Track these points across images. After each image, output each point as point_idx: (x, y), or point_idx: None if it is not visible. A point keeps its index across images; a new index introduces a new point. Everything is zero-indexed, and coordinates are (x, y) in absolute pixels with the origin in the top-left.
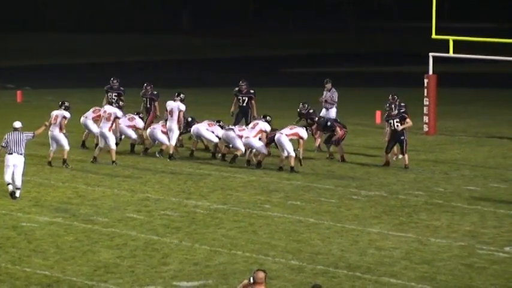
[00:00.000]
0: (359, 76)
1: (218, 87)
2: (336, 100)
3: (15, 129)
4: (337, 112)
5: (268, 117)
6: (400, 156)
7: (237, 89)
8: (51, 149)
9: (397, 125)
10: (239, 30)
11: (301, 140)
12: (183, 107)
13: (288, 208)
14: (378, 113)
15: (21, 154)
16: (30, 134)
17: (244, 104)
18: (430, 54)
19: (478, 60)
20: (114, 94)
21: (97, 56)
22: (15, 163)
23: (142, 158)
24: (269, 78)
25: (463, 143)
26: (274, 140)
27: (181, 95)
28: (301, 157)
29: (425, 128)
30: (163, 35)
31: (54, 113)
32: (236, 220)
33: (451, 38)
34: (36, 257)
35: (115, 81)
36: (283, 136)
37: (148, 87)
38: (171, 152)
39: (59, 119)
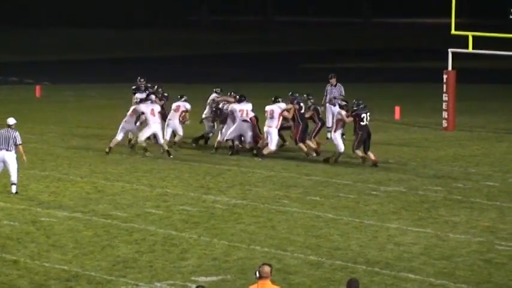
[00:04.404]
0: (378, 72)
1: (238, 83)
2: (344, 94)
3: (9, 126)
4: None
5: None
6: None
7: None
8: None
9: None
10: (258, 26)
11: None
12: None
13: (307, 203)
14: (397, 109)
15: (9, 151)
16: (19, 140)
17: None
18: (449, 50)
19: (497, 56)
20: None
21: (116, 51)
22: (5, 159)
23: (160, 154)
24: (288, 73)
25: (482, 139)
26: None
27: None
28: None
29: (444, 123)
30: (182, 30)
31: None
32: (255, 215)
33: (470, 34)
34: (55, 251)
35: (142, 80)
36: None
37: (160, 89)
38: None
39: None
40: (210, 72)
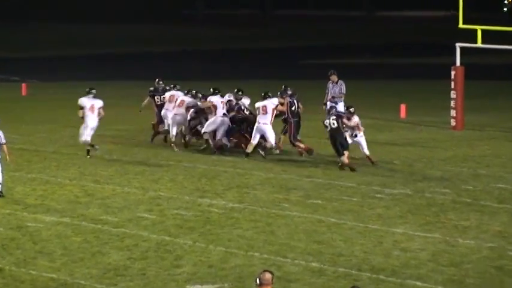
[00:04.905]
0: (382, 68)
1: (237, 79)
2: (345, 92)
3: None
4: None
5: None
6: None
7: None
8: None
9: (334, 123)
10: (257, 20)
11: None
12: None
13: (308, 207)
14: (403, 107)
15: None
16: (2, 139)
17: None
18: (457, 44)
19: (507, 51)
20: (162, 96)
21: (107, 47)
22: None
23: (153, 154)
24: (289, 70)
25: (492, 138)
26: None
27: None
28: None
29: (453, 122)
30: (178, 25)
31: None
32: (253, 220)
33: (479, 28)
34: (42, 259)
35: (160, 82)
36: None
37: (193, 92)
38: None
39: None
40: (210, 68)
